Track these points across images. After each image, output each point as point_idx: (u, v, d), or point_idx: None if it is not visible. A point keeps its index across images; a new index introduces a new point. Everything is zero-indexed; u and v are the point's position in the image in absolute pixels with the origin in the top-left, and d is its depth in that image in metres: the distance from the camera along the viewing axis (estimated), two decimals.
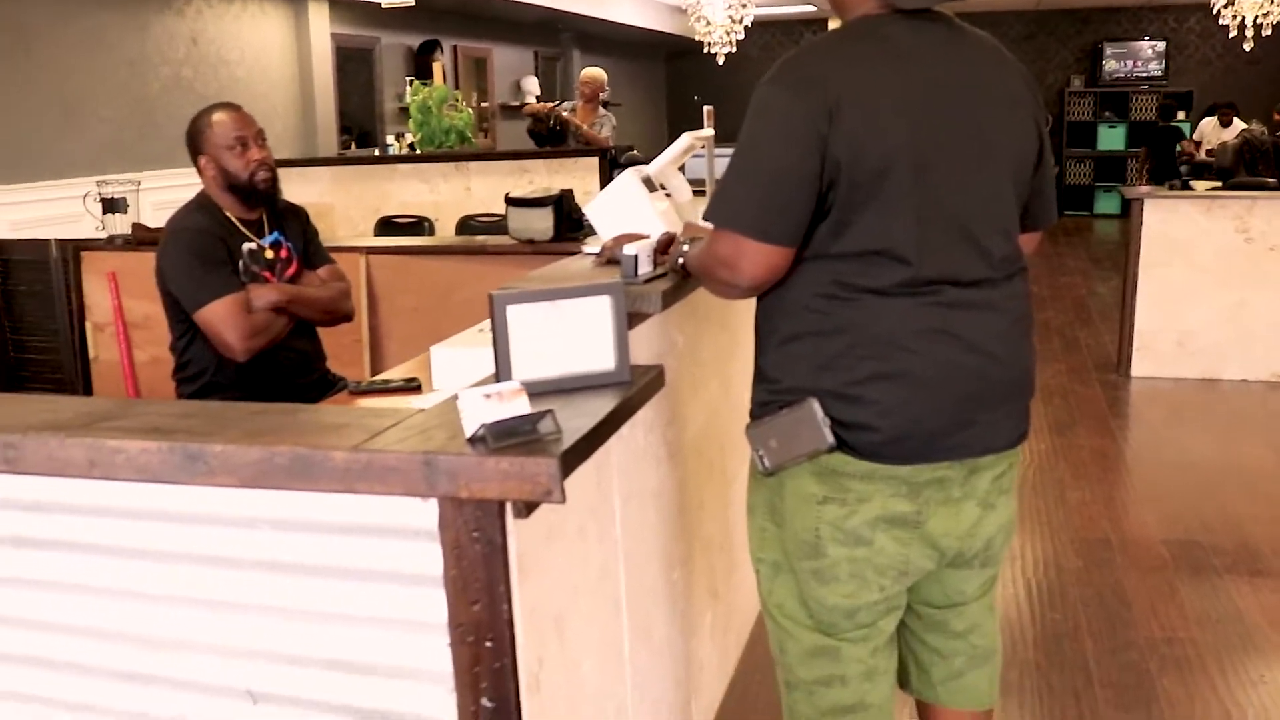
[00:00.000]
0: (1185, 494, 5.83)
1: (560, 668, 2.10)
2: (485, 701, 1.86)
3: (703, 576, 3.42)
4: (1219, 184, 8.37)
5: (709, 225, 2.35)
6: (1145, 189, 8.32)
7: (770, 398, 2.36)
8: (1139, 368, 8.12)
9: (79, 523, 2.05)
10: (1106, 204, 19.54)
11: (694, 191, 3.78)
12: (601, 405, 2.03)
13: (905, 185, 2.19)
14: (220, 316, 3.86)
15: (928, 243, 2.21)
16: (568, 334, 2.14)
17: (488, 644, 1.84)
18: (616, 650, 2.53)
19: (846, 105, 2.16)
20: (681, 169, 3.75)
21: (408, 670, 1.92)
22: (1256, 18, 12.91)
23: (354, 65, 12.79)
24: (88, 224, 6.39)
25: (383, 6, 12.25)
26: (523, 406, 1.81)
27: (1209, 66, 19.64)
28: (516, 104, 15.58)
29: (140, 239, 6.05)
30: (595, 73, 10.57)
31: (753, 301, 2.45)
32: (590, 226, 3.58)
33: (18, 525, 2.09)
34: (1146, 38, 19.77)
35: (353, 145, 12.57)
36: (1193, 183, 8.48)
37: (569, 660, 2.17)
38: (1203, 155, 14.96)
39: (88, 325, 6.23)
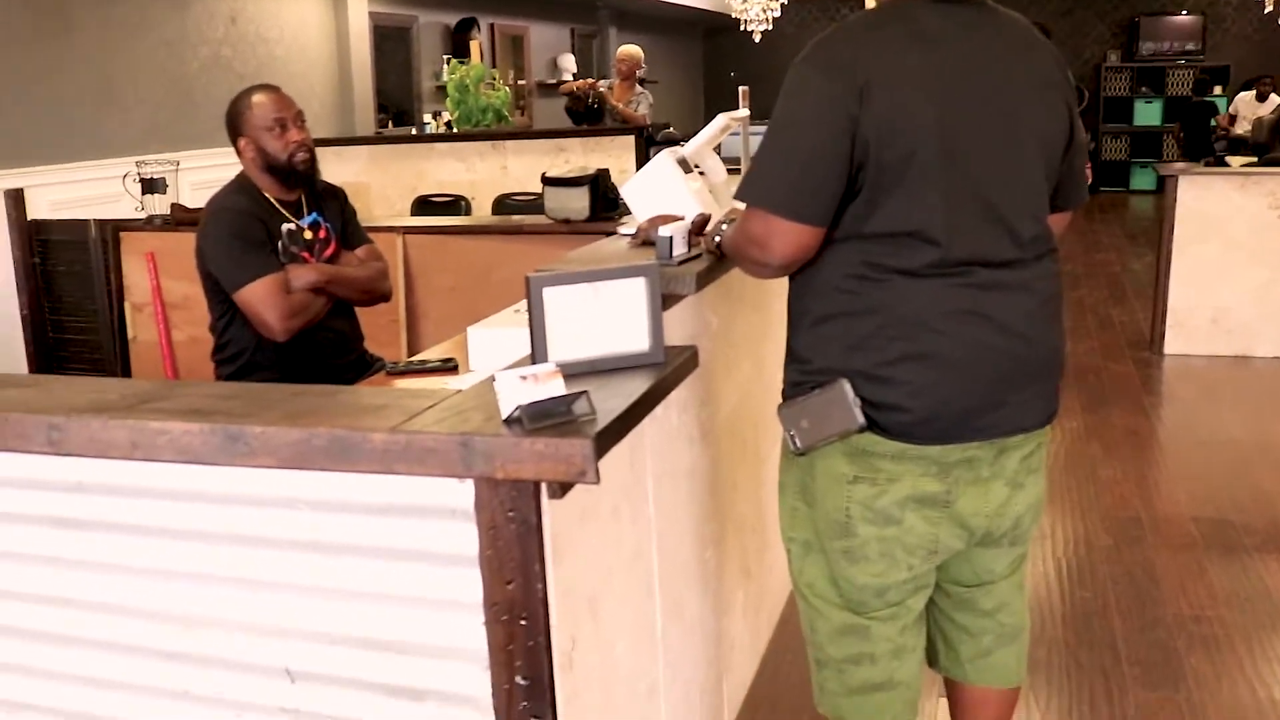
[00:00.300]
0: (1217, 472, 5.82)
1: (593, 646, 2.12)
2: (519, 679, 1.89)
3: (735, 556, 3.45)
4: (1254, 160, 8.31)
5: (742, 205, 2.38)
6: (1180, 165, 8.27)
7: (802, 378, 2.38)
8: (1172, 345, 8.09)
9: (121, 504, 2.08)
10: (1142, 180, 19.43)
11: (729, 171, 3.80)
12: (636, 386, 2.06)
13: (934, 167, 2.21)
14: (259, 297, 3.89)
15: (957, 224, 2.23)
16: (603, 315, 2.16)
17: (522, 623, 1.87)
18: (649, 629, 2.56)
19: (876, 88, 2.19)
20: (717, 149, 3.76)
21: (443, 649, 1.95)
22: None
23: (391, 44, 12.83)
24: (127, 204, 6.45)
25: None
26: (558, 388, 1.83)
27: (1246, 41, 19.51)
28: (553, 82, 15.60)
29: (179, 219, 6.11)
30: (632, 50, 10.58)
31: (785, 282, 2.47)
32: (626, 206, 3.61)
33: (61, 506, 2.13)
34: (1184, 12, 19.65)
35: (390, 124, 12.60)
36: (1228, 159, 8.43)
37: (602, 639, 2.19)
38: (1239, 130, 14.87)
39: (126, 306, 6.29)
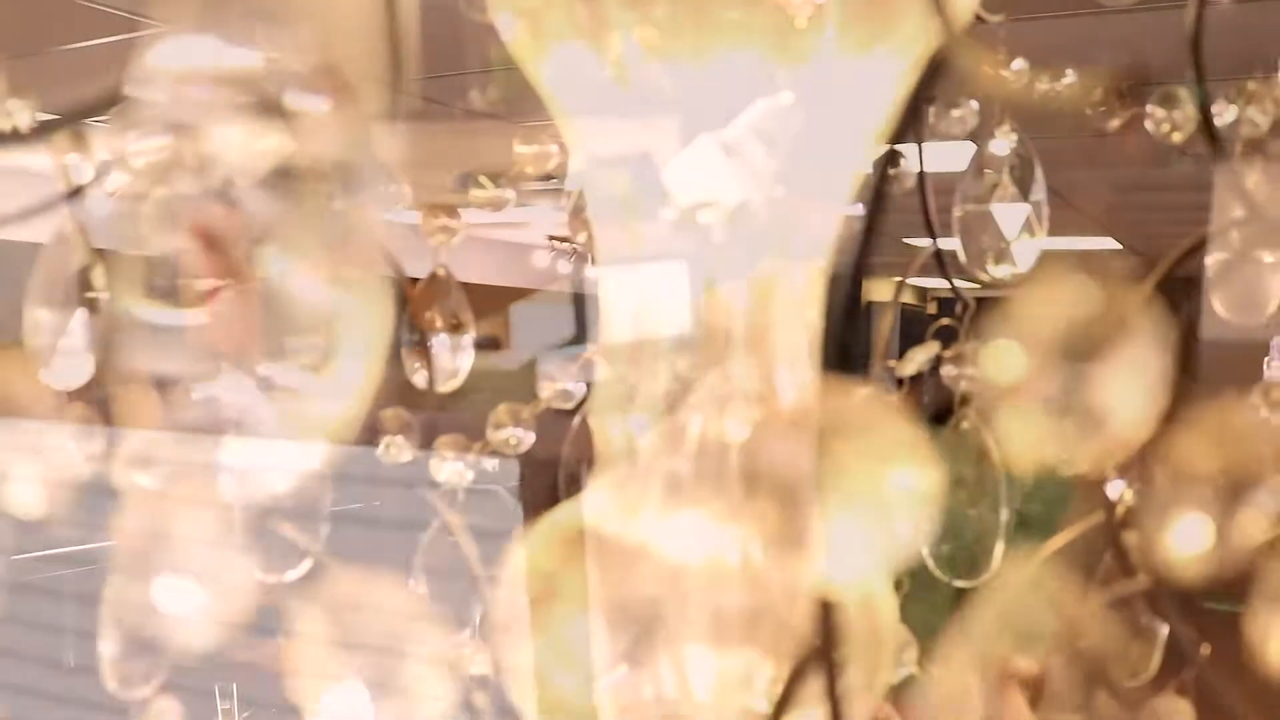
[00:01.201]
0: (1257, 452, 5.80)
1: None
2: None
3: (774, 529, 3.48)
4: None
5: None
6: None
7: None
8: (1208, 330, 8.04)
9: (180, 475, 2.13)
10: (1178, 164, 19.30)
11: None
12: (677, 367, 2.09)
13: None
14: None
15: None
16: (644, 297, 2.20)
17: None
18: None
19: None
20: (758, 133, 3.79)
21: (484, 621, 1.99)
22: None
23: (437, 20, 12.86)
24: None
25: None
26: (598, 368, 1.87)
27: None
28: None
29: (230, 197, 6.17)
30: None
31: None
32: (669, 191, 3.64)
33: (115, 477, 2.18)
34: None
35: (434, 102, 12.65)
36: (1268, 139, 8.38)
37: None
38: None
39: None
